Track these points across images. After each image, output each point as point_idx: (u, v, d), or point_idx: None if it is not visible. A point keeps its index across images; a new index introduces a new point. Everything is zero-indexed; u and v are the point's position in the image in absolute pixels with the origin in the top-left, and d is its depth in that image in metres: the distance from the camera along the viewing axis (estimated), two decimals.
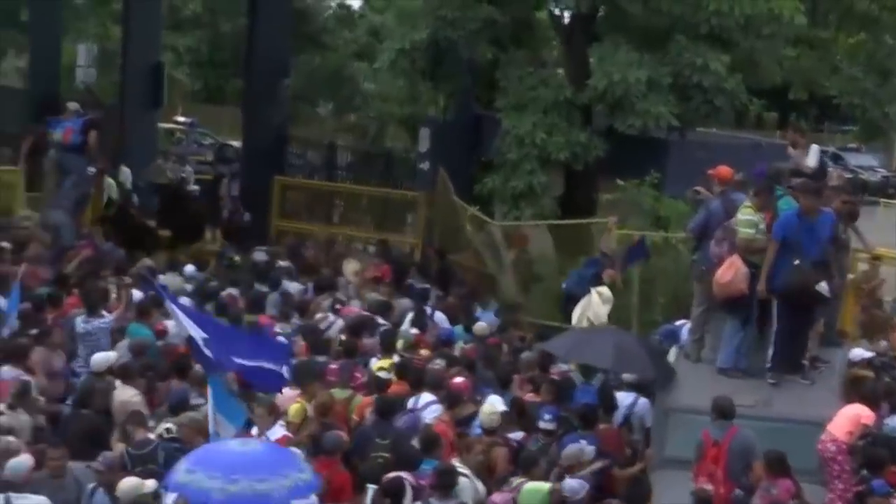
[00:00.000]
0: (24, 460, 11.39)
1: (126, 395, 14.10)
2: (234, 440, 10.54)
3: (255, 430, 12.75)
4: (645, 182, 20.51)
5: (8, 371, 14.43)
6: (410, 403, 14.44)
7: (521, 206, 22.03)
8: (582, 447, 12.79)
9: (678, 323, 16.29)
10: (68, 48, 41.18)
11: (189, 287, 19.72)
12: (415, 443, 13.32)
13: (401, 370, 15.30)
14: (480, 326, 17.72)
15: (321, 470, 12.17)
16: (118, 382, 14.36)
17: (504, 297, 20.77)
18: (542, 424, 13.68)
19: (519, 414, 14.08)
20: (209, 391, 11.81)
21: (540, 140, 21.78)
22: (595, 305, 16.90)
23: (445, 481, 11.92)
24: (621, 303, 18.39)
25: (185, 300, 18.66)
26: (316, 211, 27.65)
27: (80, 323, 16.19)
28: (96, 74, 42.71)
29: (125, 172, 24.88)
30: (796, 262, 13.06)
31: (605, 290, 17.12)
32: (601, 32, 22.97)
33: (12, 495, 10.91)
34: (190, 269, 20.76)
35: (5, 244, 19.64)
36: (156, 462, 12.17)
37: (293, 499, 9.98)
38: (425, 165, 26.15)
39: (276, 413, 13.37)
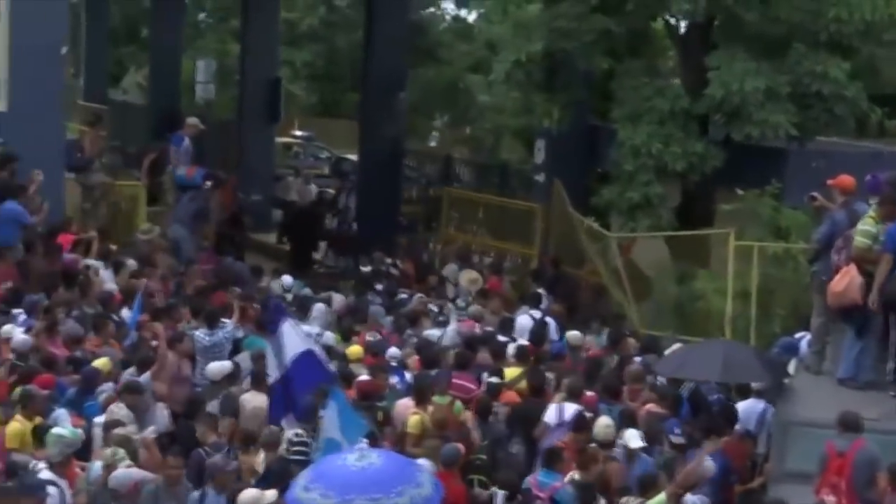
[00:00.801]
0: (130, 472, 11.59)
1: (258, 401, 14.32)
2: (352, 454, 10.52)
3: None
4: (765, 192, 20.21)
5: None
6: (554, 416, 14.43)
7: (637, 218, 21.84)
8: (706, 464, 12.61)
9: (798, 335, 16.06)
10: (187, 64, 41.82)
11: (289, 297, 19.94)
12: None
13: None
14: (574, 336, 17.69)
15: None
16: (248, 388, 14.61)
17: (617, 307, 20.72)
18: (673, 439, 13.58)
19: (629, 426, 13.99)
20: (332, 403, 11.92)
21: (656, 151, 21.59)
22: None
23: (587, 498, 11.88)
24: (740, 315, 18.23)
25: (320, 306, 18.95)
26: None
27: (204, 336, 16.45)
28: (215, 90, 43.36)
29: None
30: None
31: None
32: (718, 41, 22.74)
33: None
34: (287, 279, 20.93)
35: (131, 261, 19.95)
36: None
37: None
38: (541, 177, 26.13)
39: None
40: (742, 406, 14.68)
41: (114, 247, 20.62)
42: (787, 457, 12.76)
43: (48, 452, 12.00)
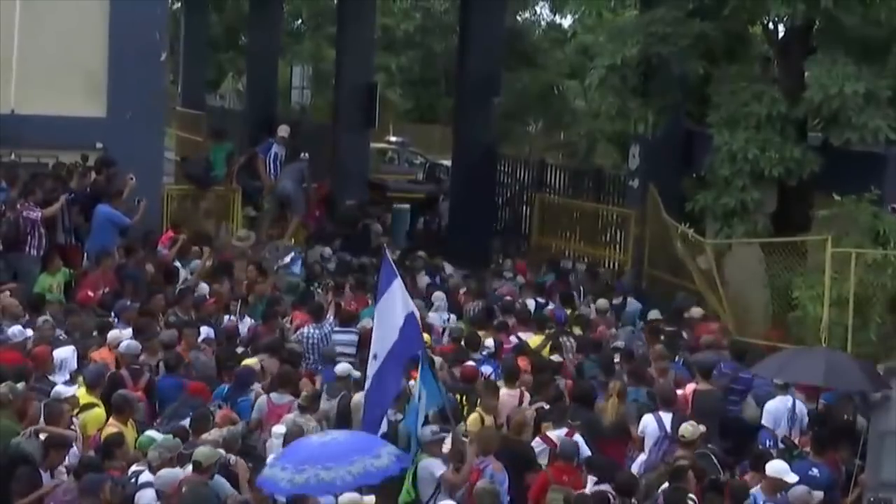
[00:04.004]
0: (177, 472, 11.83)
1: None
2: (316, 435, 11.42)
3: None
4: (864, 198, 19.92)
5: (279, 398, 14.64)
6: (655, 427, 14.40)
7: (733, 224, 21.58)
8: (810, 493, 12.42)
9: None
10: (284, 70, 42.20)
11: None
12: None
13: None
14: (602, 303, 19.96)
15: (561, 476, 12.50)
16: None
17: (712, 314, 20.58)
18: (763, 448, 13.56)
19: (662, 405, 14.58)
20: (420, 367, 12.38)
21: (752, 156, 21.31)
22: None
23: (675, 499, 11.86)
24: (836, 322, 17.98)
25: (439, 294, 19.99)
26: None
27: (313, 331, 17.19)
28: (311, 95, 43.73)
29: None
30: None
31: None
32: (817, 45, 22.45)
33: None
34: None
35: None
36: None
37: (359, 484, 10.69)
38: (635, 182, 25.95)
39: None
40: (770, 404, 14.80)
41: (196, 248, 20.83)
42: (882, 467, 12.59)
43: (149, 456, 12.22)
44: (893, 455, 12.48)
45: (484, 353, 16.91)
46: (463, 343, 17.35)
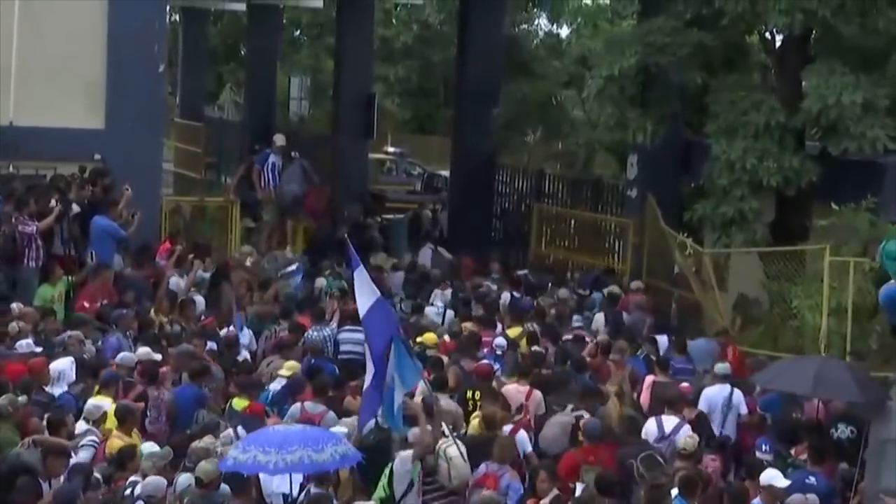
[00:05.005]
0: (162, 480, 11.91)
1: None
2: (278, 425, 11.99)
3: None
4: (861, 207, 19.90)
5: (313, 407, 14.60)
6: (654, 430, 14.51)
7: (731, 233, 21.60)
8: (807, 500, 12.44)
9: None
10: (282, 80, 42.22)
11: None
12: None
13: None
14: (563, 292, 21.17)
15: (588, 456, 13.12)
16: None
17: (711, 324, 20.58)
18: (759, 455, 13.58)
19: None
20: (392, 348, 12.56)
21: (751, 165, 21.35)
22: None
23: (654, 497, 11.87)
24: (835, 331, 17.98)
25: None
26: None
27: (312, 333, 17.45)
28: (309, 106, 43.77)
29: None
30: None
31: None
32: (815, 54, 22.48)
33: None
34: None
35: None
36: None
37: (292, 471, 11.35)
38: (633, 192, 25.97)
39: None
40: (708, 391, 15.41)
41: (192, 256, 20.82)
42: (882, 475, 12.60)
43: (142, 466, 12.23)
44: (893, 463, 12.49)
45: (498, 351, 17.22)
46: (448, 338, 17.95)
